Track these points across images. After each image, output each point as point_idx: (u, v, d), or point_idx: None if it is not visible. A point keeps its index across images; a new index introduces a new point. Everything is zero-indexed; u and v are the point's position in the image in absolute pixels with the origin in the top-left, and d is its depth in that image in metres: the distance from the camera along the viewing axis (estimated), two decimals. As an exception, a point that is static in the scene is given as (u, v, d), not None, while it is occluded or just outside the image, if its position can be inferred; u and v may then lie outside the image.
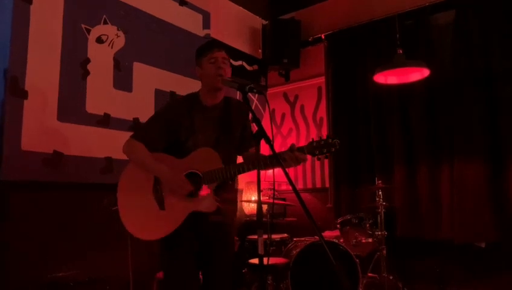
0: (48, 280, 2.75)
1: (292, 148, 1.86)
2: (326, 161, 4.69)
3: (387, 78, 3.80)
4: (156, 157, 2.06)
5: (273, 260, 3.24)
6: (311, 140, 1.89)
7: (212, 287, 2.09)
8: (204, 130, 2.10)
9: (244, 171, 1.97)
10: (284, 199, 4.50)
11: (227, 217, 2.14)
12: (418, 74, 3.67)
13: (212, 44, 2.18)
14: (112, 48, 3.43)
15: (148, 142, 2.06)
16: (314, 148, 1.86)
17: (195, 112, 2.11)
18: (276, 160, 1.75)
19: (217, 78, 2.04)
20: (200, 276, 2.12)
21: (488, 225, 3.49)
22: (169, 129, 2.08)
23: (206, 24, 4.35)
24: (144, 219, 2.03)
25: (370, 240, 3.54)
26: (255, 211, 4.20)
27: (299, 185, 4.88)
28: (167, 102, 2.26)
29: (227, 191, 2.13)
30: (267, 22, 5.04)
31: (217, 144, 2.08)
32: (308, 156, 1.88)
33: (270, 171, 4.25)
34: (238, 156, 2.25)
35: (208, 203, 2.00)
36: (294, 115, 5.08)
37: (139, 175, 2.07)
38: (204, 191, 2.01)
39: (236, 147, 2.20)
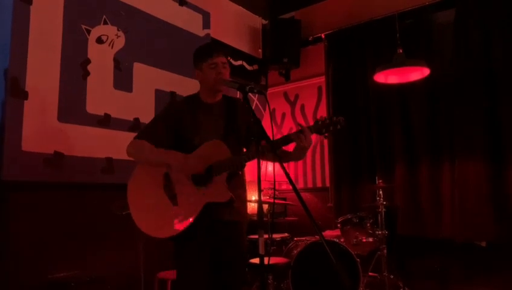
0: (48, 280, 2.76)
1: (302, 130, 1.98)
2: (326, 160, 4.70)
3: (387, 77, 3.80)
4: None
5: (273, 260, 3.24)
6: (315, 120, 2.03)
7: (224, 286, 2.08)
8: (209, 126, 2.12)
9: (251, 159, 1.99)
10: (284, 199, 4.50)
11: (241, 216, 2.14)
12: (418, 73, 3.67)
13: (212, 48, 2.18)
14: (112, 48, 3.43)
15: (152, 139, 2.09)
16: (320, 127, 2.02)
17: (197, 110, 2.15)
18: (285, 142, 1.94)
19: (217, 82, 2.09)
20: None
21: (489, 224, 3.49)
22: (171, 125, 2.11)
23: (206, 24, 4.35)
24: (159, 217, 2.03)
25: (371, 239, 3.54)
26: (255, 211, 4.20)
27: (300, 185, 4.88)
28: (167, 103, 2.27)
29: (239, 188, 2.14)
30: (267, 21, 5.04)
31: (223, 139, 2.09)
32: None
33: (270, 170, 4.26)
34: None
35: (220, 193, 2.00)
36: (295, 115, 5.08)
37: (148, 175, 2.08)
38: (216, 181, 2.01)
39: (242, 143, 2.21)
